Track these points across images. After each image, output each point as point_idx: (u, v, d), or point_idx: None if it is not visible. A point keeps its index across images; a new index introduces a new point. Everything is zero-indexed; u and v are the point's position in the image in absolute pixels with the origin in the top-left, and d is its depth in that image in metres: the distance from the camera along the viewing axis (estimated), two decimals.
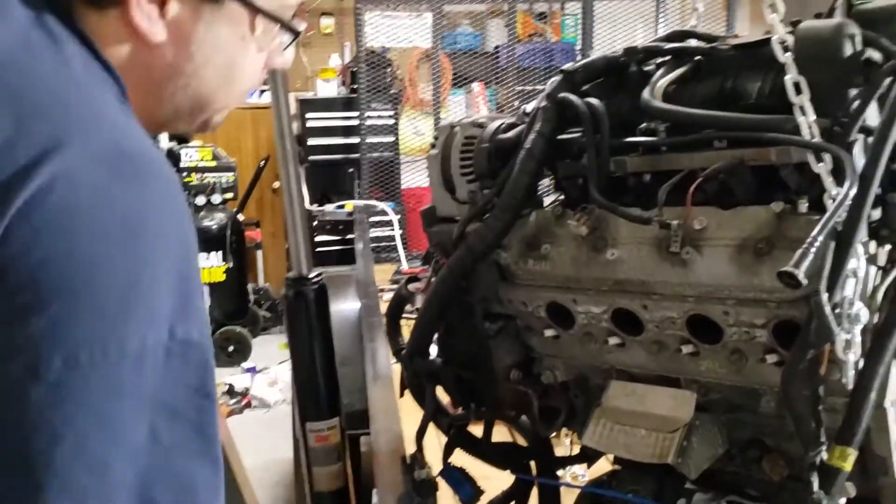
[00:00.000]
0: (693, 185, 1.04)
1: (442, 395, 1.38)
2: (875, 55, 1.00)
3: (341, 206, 4.58)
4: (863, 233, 0.95)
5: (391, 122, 4.69)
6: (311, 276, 2.09)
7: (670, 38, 1.22)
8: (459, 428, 1.36)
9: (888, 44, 1.00)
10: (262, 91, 5.09)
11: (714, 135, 1.06)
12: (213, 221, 4.42)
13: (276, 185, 5.02)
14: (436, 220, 1.31)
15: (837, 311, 0.92)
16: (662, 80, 1.13)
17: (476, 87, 5.14)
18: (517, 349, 1.28)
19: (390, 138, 4.69)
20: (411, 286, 1.31)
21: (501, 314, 1.28)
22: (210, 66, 0.83)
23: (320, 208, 4.66)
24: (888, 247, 1.01)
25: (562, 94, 1.18)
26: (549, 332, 1.24)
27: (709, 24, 4.62)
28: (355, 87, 4.64)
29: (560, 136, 1.21)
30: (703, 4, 1.35)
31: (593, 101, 1.16)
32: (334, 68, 4.95)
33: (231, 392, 3.91)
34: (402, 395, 1.37)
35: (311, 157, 4.80)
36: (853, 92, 0.99)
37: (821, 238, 0.89)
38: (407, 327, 1.30)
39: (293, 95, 5.08)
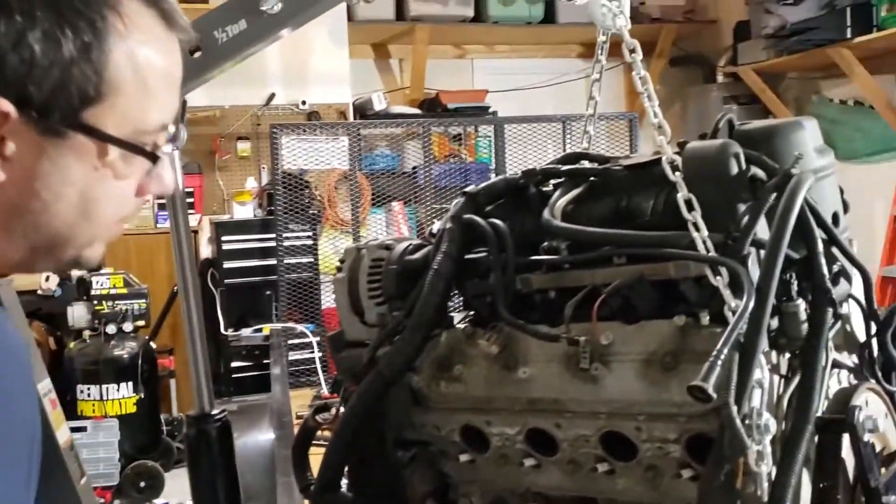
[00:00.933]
0: (597, 302, 1.05)
1: None
2: (759, 172, 1.05)
3: (258, 330, 4.50)
4: (764, 343, 0.97)
5: (310, 242, 4.68)
6: (213, 412, 2.00)
7: (566, 159, 1.26)
8: None
9: (769, 161, 1.06)
10: None
11: (614, 251, 1.08)
12: (124, 350, 4.27)
13: None
14: (344, 345, 1.29)
15: (747, 422, 0.92)
16: (561, 201, 1.16)
17: (396, 206, 5.20)
18: (432, 477, 1.25)
19: (309, 258, 4.67)
20: (319, 416, 1.27)
21: (415, 441, 1.25)
22: (62, 202, 0.77)
23: (236, 333, 4.56)
24: (787, 355, 1.04)
25: (466, 216, 1.20)
26: (464, 457, 1.21)
27: (613, 142, 4.82)
28: (272, 208, 4.64)
29: (467, 256, 1.21)
30: (594, 129, 1.40)
31: (497, 221, 1.18)
32: (250, 191, 4.95)
33: None
34: None
35: (227, 281, 4.73)
36: (742, 207, 1.03)
37: (725, 350, 0.90)
38: (317, 459, 1.25)
39: (208, 219, 5.04)
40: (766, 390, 0.94)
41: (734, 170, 1.04)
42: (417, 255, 1.26)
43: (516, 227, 1.20)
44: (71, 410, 4.26)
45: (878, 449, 1.11)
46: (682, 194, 1.04)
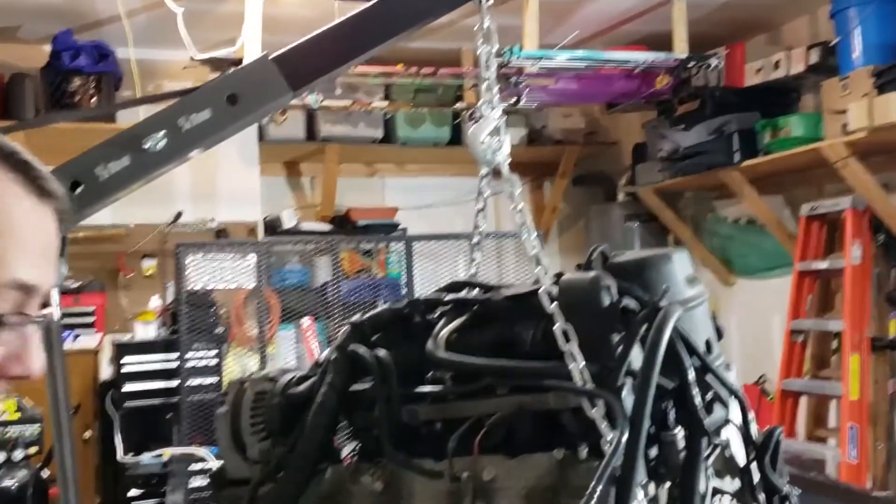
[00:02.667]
0: (478, 436, 1.05)
1: None
2: (631, 303, 1.09)
3: (158, 456, 4.31)
4: (641, 474, 0.98)
5: (215, 361, 4.57)
6: None
7: (451, 287, 1.28)
8: None
9: (640, 292, 1.09)
10: (76, 336, 4.86)
11: (494, 382, 1.09)
12: (13, 481, 4.01)
13: (87, 434, 4.68)
14: (226, 483, 1.25)
15: None
16: (444, 331, 1.17)
17: (305, 321, 5.15)
18: None
19: (214, 378, 4.55)
20: None
21: None
22: None
23: (135, 458, 4.36)
24: (668, 484, 1.05)
25: (351, 347, 1.19)
26: None
27: (521, 259, 4.93)
28: (176, 328, 4.53)
29: (352, 388, 1.20)
30: (481, 255, 1.44)
31: (381, 352, 1.18)
32: (154, 310, 4.84)
33: None
34: None
35: (127, 404, 4.55)
36: (616, 338, 1.06)
37: (600, 488, 0.91)
38: None
39: (109, 338, 4.88)
40: None
41: (606, 301, 1.07)
42: (302, 388, 1.24)
43: (402, 357, 1.20)
44: None
45: None
46: (559, 325, 1.06)
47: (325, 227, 5.65)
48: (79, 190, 1.61)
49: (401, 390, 1.16)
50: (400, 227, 5.80)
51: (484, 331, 1.18)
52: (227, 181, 5.44)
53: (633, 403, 0.98)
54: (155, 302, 4.87)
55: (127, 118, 4.56)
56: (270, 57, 1.71)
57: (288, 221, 5.32)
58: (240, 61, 3.84)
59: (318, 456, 1.15)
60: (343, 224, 5.76)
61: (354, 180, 6.23)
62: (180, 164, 1.68)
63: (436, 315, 1.24)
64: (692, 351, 1.09)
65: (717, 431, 1.14)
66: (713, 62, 4.63)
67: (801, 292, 4.65)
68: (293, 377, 1.27)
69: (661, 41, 4.84)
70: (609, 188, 6.56)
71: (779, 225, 5.02)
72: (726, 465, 1.17)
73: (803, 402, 4.70)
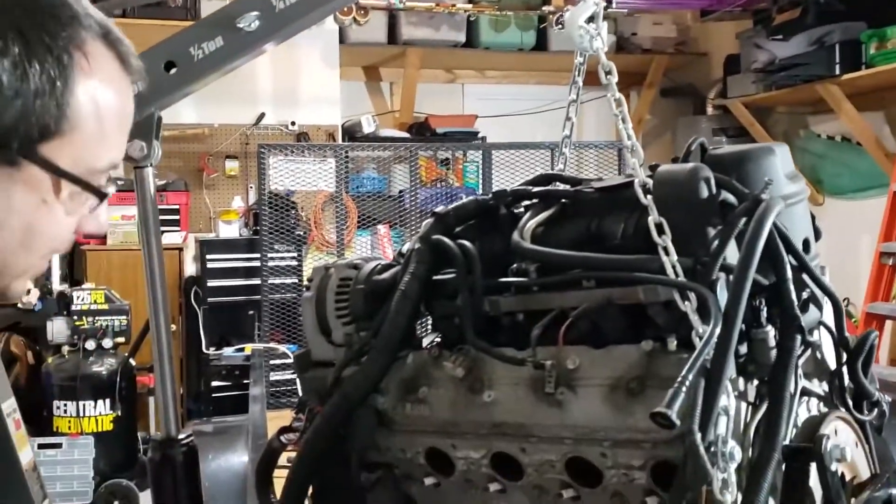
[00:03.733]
0: (564, 325, 1.03)
1: None
2: (729, 197, 1.04)
3: (240, 350, 4.46)
4: (731, 370, 0.96)
5: (294, 262, 4.66)
6: (180, 436, 1.95)
7: (537, 181, 1.25)
8: None
9: (740, 186, 1.05)
10: (163, 231, 5.01)
11: (582, 275, 1.07)
12: (103, 367, 4.22)
13: (173, 328, 4.86)
14: (311, 364, 1.27)
15: (712, 449, 0.91)
16: (531, 223, 1.15)
17: (381, 228, 5.19)
18: (397, 500, 1.22)
19: (293, 279, 4.64)
20: (284, 437, 1.25)
21: (380, 463, 1.22)
22: (5, 230, 0.77)
23: (217, 352, 4.52)
24: (756, 382, 1.02)
25: (435, 237, 1.18)
26: (429, 481, 1.18)
27: (602, 171, 4.84)
28: (258, 228, 4.62)
29: (435, 277, 1.20)
30: (570, 152, 1.40)
31: (465, 243, 1.16)
32: (236, 210, 4.94)
33: None
34: None
35: (211, 299, 4.69)
36: (711, 232, 1.02)
37: (690, 377, 0.89)
38: (281, 482, 1.22)
39: (193, 237, 5.02)
40: (731, 417, 0.92)
41: (704, 194, 1.03)
42: (386, 276, 1.24)
43: (486, 248, 1.19)
44: (47, 426, 4.20)
45: (847, 478, 1.10)
46: (653, 218, 1.03)
47: (404, 134, 5.62)
48: (173, 70, 1.61)
49: (484, 281, 1.15)
50: (479, 135, 5.73)
51: (572, 224, 1.16)
52: (307, 84, 5.45)
53: (729, 297, 0.95)
54: (237, 202, 4.96)
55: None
56: None
57: (367, 126, 5.31)
58: None
59: (400, 342, 1.16)
60: (421, 131, 5.73)
61: (434, 87, 6.16)
62: (273, 44, 1.66)
63: (522, 208, 1.22)
64: (790, 248, 1.04)
65: (811, 332, 1.10)
66: None
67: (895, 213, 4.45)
68: (377, 265, 1.27)
69: None
70: (698, 101, 6.33)
71: (877, 143, 4.79)
72: (817, 368, 1.13)
73: (889, 326, 4.56)
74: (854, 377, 1.12)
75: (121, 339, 4.32)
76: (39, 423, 4.22)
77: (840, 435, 1.08)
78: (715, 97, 5.96)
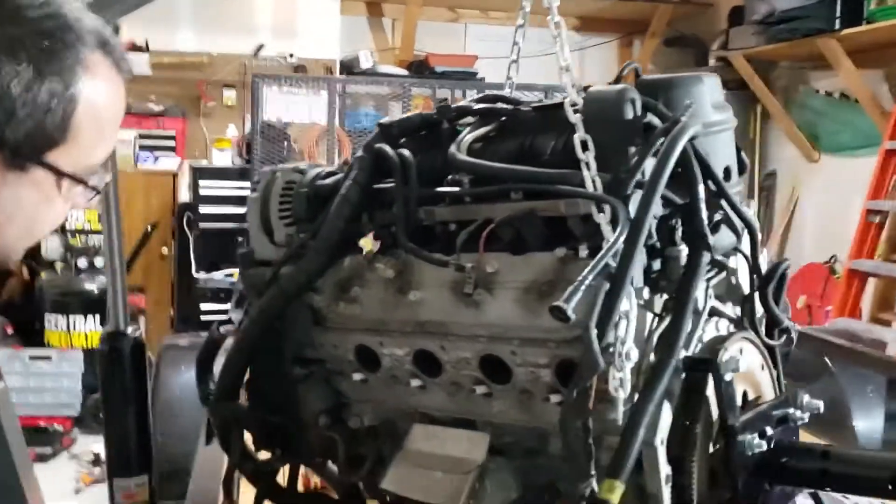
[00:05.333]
0: (484, 233, 1.09)
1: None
2: (655, 120, 1.09)
3: (229, 275, 4.54)
4: (635, 276, 1.01)
5: None
6: (128, 330, 2.06)
7: (482, 100, 1.29)
8: (266, 477, 1.35)
9: (664, 109, 1.09)
10: (156, 158, 5.06)
11: (509, 187, 1.12)
12: (94, 284, 4.32)
13: (164, 251, 4.94)
14: (253, 263, 1.33)
15: (611, 349, 0.96)
16: (468, 137, 1.19)
17: None
18: (327, 395, 1.29)
19: None
20: (223, 328, 1.31)
21: (313, 359, 1.29)
22: (12, 225, 0.89)
23: (207, 275, 4.61)
24: (665, 296, 1.07)
25: (377, 146, 1.23)
26: (357, 376, 1.25)
27: None
28: (250, 157, 4.66)
29: (377, 186, 1.25)
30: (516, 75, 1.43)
31: (404, 152, 1.21)
32: (230, 139, 4.97)
33: (97, 461, 3.76)
34: (207, 442, 1.36)
35: (202, 225, 4.76)
36: (633, 150, 1.07)
37: (591, 277, 0.94)
38: None
39: (188, 163, 5.07)
40: (631, 321, 0.97)
41: (629, 114, 1.07)
42: (329, 181, 1.29)
43: (427, 160, 1.23)
44: (38, 339, 4.32)
45: (751, 397, 1.16)
46: (579, 135, 1.07)
47: (402, 71, 5.62)
48: None
49: (421, 190, 1.20)
50: (478, 76, 5.72)
51: (509, 140, 1.20)
52: (307, 17, 5.44)
53: (637, 207, 0.99)
54: (232, 131, 4.99)
55: None
56: None
57: (365, 62, 5.31)
58: None
59: (337, 243, 1.21)
60: (420, 70, 5.72)
61: (436, 25, 6.13)
62: None
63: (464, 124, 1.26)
64: (707, 172, 1.09)
65: (726, 255, 1.15)
66: None
67: (886, 172, 4.47)
68: (322, 171, 1.32)
69: None
70: (701, 52, 6.29)
71: (873, 101, 4.78)
72: (729, 291, 1.18)
73: (871, 283, 4.61)
74: (765, 303, 1.17)
75: None
76: (31, 336, 4.33)
77: (747, 356, 1.13)
78: (718, 48, 5.92)
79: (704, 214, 1.04)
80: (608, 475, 0.96)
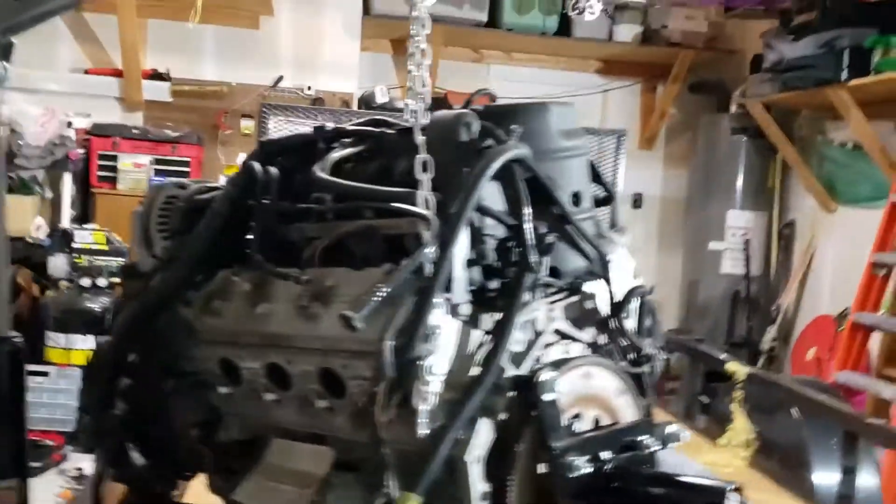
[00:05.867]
0: (319, 248, 1.12)
1: None
2: (491, 143, 1.11)
3: None
4: (456, 293, 1.03)
5: None
6: (7, 335, 2.08)
7: (366, 123, 1.34)
8: (139, 486, 1.38)
9: (500, 133, 1.12)
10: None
11: (353, 205, 1.15)
12: (96, 304, 4.43)
13: None
14: (133, 275, 1.37)
15: (419, 362, 0.98)
16: (334, 156, 1.23)
17: None
18: (200, 408, 1.32)
19: None
20: (105, 340, 1.35)
21: (189, 372, 1.32)
22: None
23: None
24: (498, 315, 1.09)
25: (248, 161, 1.27)
26: (223, 389, 1.28)
27: (601, 156, 4.85)
28: None
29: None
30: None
31: (271, 168, 1.25)
32: (238, 165, 5.10)
33: (81, 478, 3.82)
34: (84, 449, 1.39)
35: None
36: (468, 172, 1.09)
37: (386, 288, 0.97)
38: None
39: None
40: (439, 336, 0.99)
41: (464, 137, 1.10)
42: (207, 196, 1.34)
43: (300, 178, 1.27)
44: (39, 356, 4.43)
45: (606, 422, 1.15)
46: (419, 156, 1.10)
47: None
48: None
49: (283, 206, 1.23)
50: None
51: (374, 162, 1.24)
52: (328, 51, 5.57)
53: (447, 223, 1.02)
54: (241, 158, 5.10)
55: None
56: None
57: (380, 97, 5.39)
58: None
59: (204, 254, 1.25)
60: (440, 106, 5.78)
61: (460, 65, 6.23)
62: None
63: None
64: (548, 197, 1.11)
65: (578, 280, 1.16)
66: None
67: (893, 224, 4.39)
68: (203, 186, 1.37)
69: None
70: (724, 98, 6.27)
71: (882, 152, 4.71)
72: (585, 316, 1.19)
73: (875, 337, 4.50)
74: (620, 329, 1.18)
75: (117, 280, 4.54)
76: (33, 352, 4.45)
77: (598, 380, 1.14)
78: (738, 96, 5.90)
79: (529, 236, 1.06)
80: (406, 487, 0.97)
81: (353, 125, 1.32)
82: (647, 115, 6.59)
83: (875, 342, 4.52)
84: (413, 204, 1.09)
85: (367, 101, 5.59)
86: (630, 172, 5.86)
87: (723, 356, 3.16)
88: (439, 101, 5.98)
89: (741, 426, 2.87)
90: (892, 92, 4.44)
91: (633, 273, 1.27)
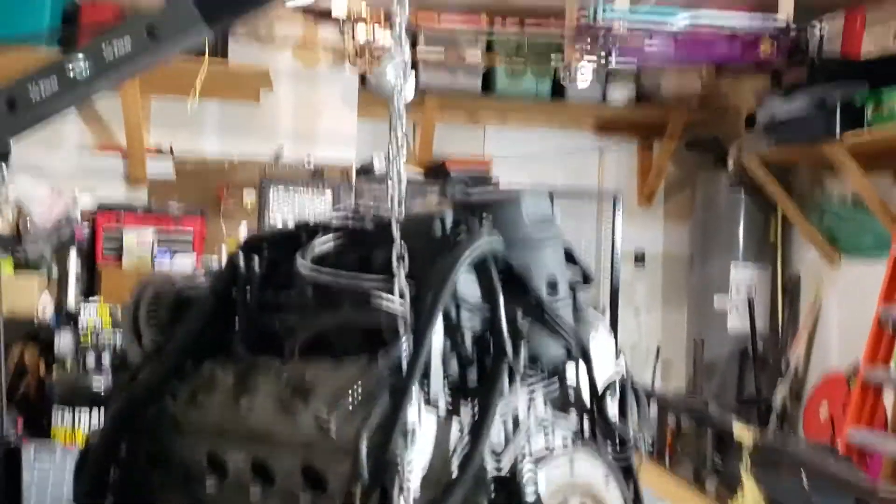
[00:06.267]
0: (297, 342, 1.13)
1: None
2: (463, 236, 1.14)
3: None
4: (436, 386, 1.04)
5: None
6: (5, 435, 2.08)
7: (346, 216, 1.36)
8: None
9: (473, 225, 1.14)
10: (173, 254, 5.24)
11: (336, 297, 1.17)
12: (100, 381, 4.44)
13: None
14: (122, 366, 1.39)
15: (395, 460, 0.99)
16: (313, 249, 1.26)
17: None
18: (184, 501, 1.32)
19: None
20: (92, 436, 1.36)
21: (176, 464, 1.33)
22: None
23: None
24: (477, 406, 1.09)
25: (232, 256, 1.30)
26: (210, 482, 1.28)
27: (601, 216, 4.88)
28: None
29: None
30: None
31: (253, 262, 1.27)
32: (239, 237, 5.15)
33: None
34: None
35: None
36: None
37: (364, 388, 0.98)
38: None
39: (203, 259, 5.23)
40: (413, 431, 1.00)
41: (438, 232, 1.13)
42: (195, 290, 1.36)
43: (284, 270, 1.29)
44: (46, 434, 4.41)
45: None
46: (395, 249, 1.13)
47: (416, 174, 5.76)
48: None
49: (270, 297, 1.25)
50: (494, 178, 5.83)
51: (356, 252, 1.26)
52: (326, 124, 5.67)
53: (421, 320, 1.03)
54: (244, 229, 5.16)
55: None
56: None
57: (377, 165, 5.47)
58: None
59: (190, 346, 1.27)
60: (438, 173, 5.86)
61: (456, 128, 6.31)
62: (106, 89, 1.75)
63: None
64: (523, 286, 1.12)
65: (558, 367, 1.17)
66: (817, 29, 4.36)
67: None
68: (189, 281, 1.39)
69: (771, 2, 4.61)
70: (720, 155, 6.30)
71: (882, 205, 4.72)
72: (566, 402, 1.20)
73: (889, 394, 4.44)
74: (601, 415, 1.19)
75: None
76: (39, 430, 4.44)
77: (583, 468, 1.14)
78: (735, 152, 5.94)
79: (503, 326, 1.07)
80: None
81: (335, 219, 1.35)
82: (644, 172, 6.63)
83: (889, 396, 4.46)
84: (390, 292, 1.11)
85: (365, 171, 5.67)
86: (631, 230, 5.86)
87: (731, 419, 3.14)
88: (439, 167, 6.06)
89: (751, 493, 2.83)
90: (888, 146, 4.47)
91: (614, 353, 1.28)
